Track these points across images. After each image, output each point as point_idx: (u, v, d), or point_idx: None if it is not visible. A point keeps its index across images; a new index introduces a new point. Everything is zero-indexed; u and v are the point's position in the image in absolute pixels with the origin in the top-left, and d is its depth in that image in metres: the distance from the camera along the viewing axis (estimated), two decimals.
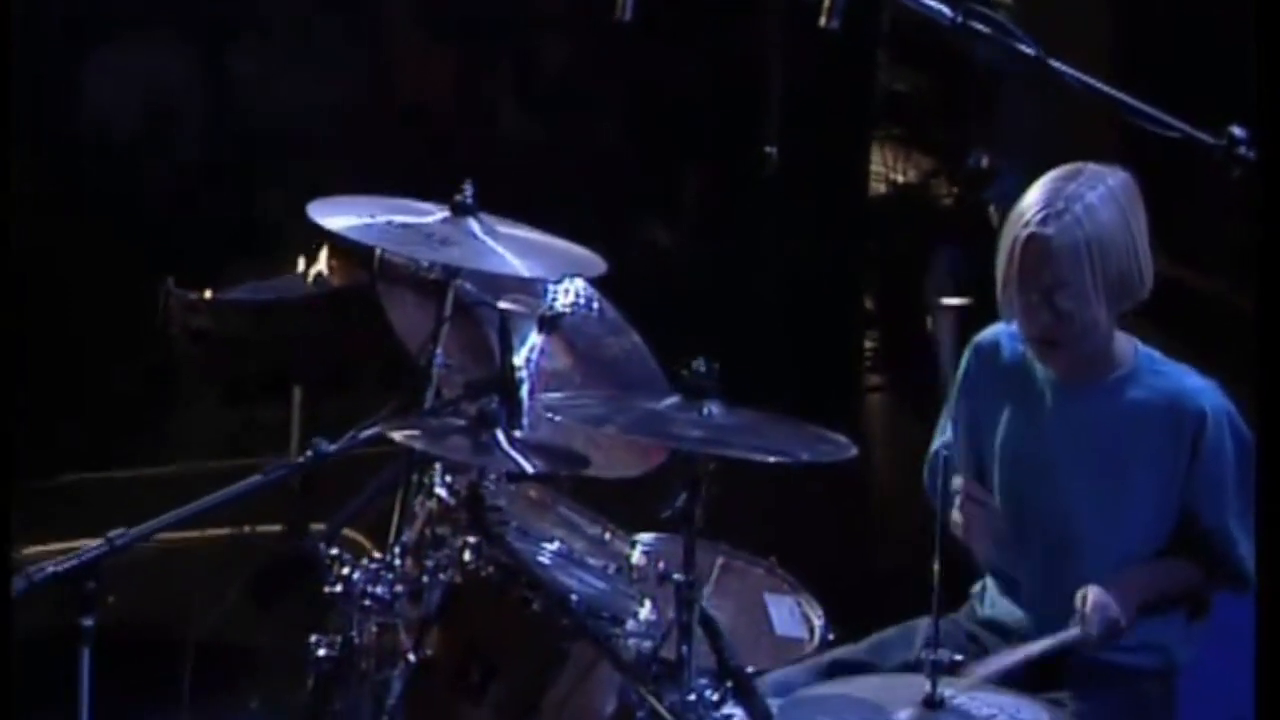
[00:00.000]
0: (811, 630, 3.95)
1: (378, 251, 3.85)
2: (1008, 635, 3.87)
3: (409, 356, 3.84)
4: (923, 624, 4.05)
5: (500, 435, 3.33)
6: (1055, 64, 3.22)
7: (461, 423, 3.41)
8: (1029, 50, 3.20)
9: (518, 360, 3.71)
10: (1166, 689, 3.83)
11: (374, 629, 3.52)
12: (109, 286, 6.72)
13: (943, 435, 4.20)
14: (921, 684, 3.21)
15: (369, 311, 5.30)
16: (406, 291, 3.89)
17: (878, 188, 8.07)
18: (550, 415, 3.39)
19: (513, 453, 3.34)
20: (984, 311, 7.81)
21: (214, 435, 6.92)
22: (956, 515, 3.83)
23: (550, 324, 3.83)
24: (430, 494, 3.68)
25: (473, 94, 7.79)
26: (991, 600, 4.01)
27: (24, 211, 6.32)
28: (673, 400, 3.24)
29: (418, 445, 3.51)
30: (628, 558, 3.77)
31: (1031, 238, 3.70)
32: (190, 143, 7.27)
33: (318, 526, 5.09)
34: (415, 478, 3.76)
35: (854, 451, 3.41)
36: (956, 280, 7.83)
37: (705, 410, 3.20)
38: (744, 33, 7.71)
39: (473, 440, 3.37)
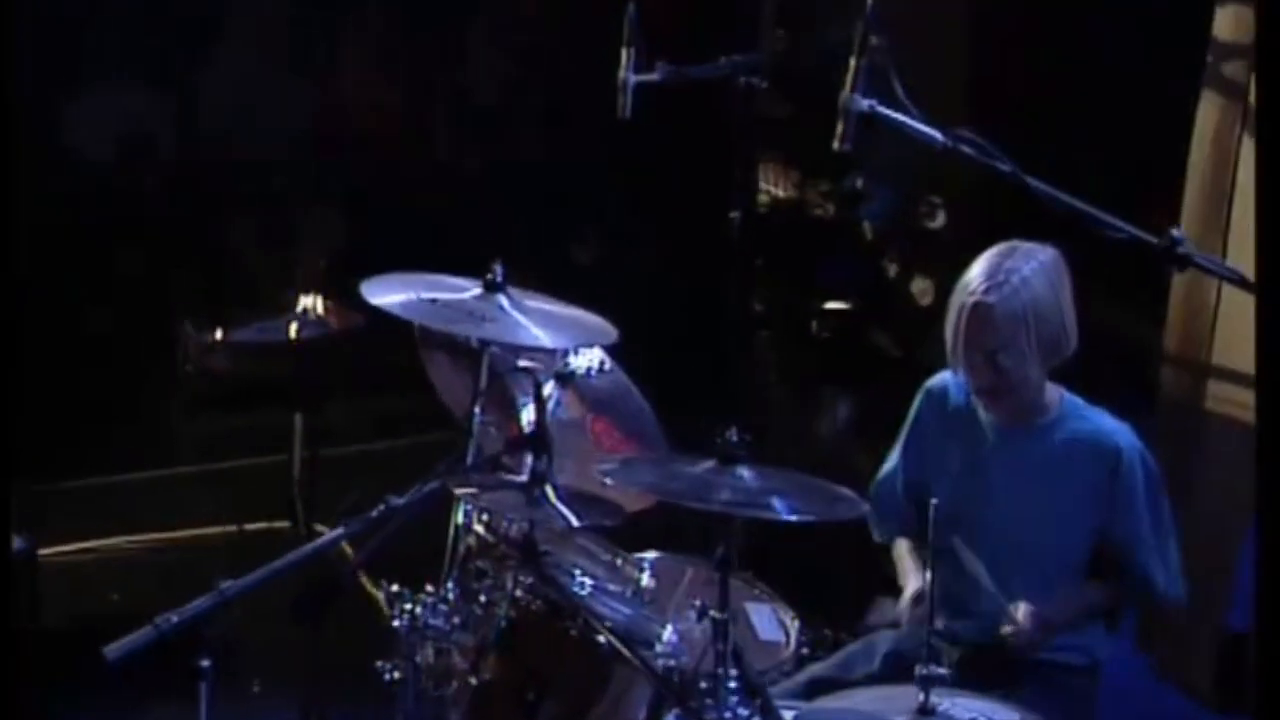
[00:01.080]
0: (788, 634, 3.98)
1: (416, 322, 3.83)
2: (957, 643, 3.97)
3: (450, 412, 3.89)
4: (879, 638, 4.20)
5: (550, 491, 3.40)
6: (1030, 180, 3.32)
7: (518, 480, 3.48)
8: (1005, 167, 3.32)
9: (527, 411, 3.76)
10: (1091, 681, 3.97)
11: (431, 654, 3.59)
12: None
13: (888, 465, 4.31)
14: (913, 694, 3.30)
15: (363, 352, 5.39)
16: (440, 354, 3.92)
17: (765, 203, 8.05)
18: (608, 481, 3.39)
19: (561, 508, 3.42)
20: (864, 314, 7.97)
21: (205, 440, 6.94)
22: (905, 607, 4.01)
23: (564, 379, 3.85)
24: (468, 531, 3.71)
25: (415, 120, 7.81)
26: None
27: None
28: (709, 465, 3.29)
29: (480, 503, 3.57)
30: (638, 581, 3.81)
31: (977, 305, 3.79)
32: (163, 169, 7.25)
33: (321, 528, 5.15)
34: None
35: (864, 508, 3.52)
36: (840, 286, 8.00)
37: (738, 474, 3.28)
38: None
39: (526, 495, 3.44)
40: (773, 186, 8.20)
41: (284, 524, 5.81)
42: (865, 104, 3.49)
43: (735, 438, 3.25)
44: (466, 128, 7.92)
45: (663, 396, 5.61)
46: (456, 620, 3.57)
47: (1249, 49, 5.24)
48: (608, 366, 3.92)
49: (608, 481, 3.37)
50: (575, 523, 3.42)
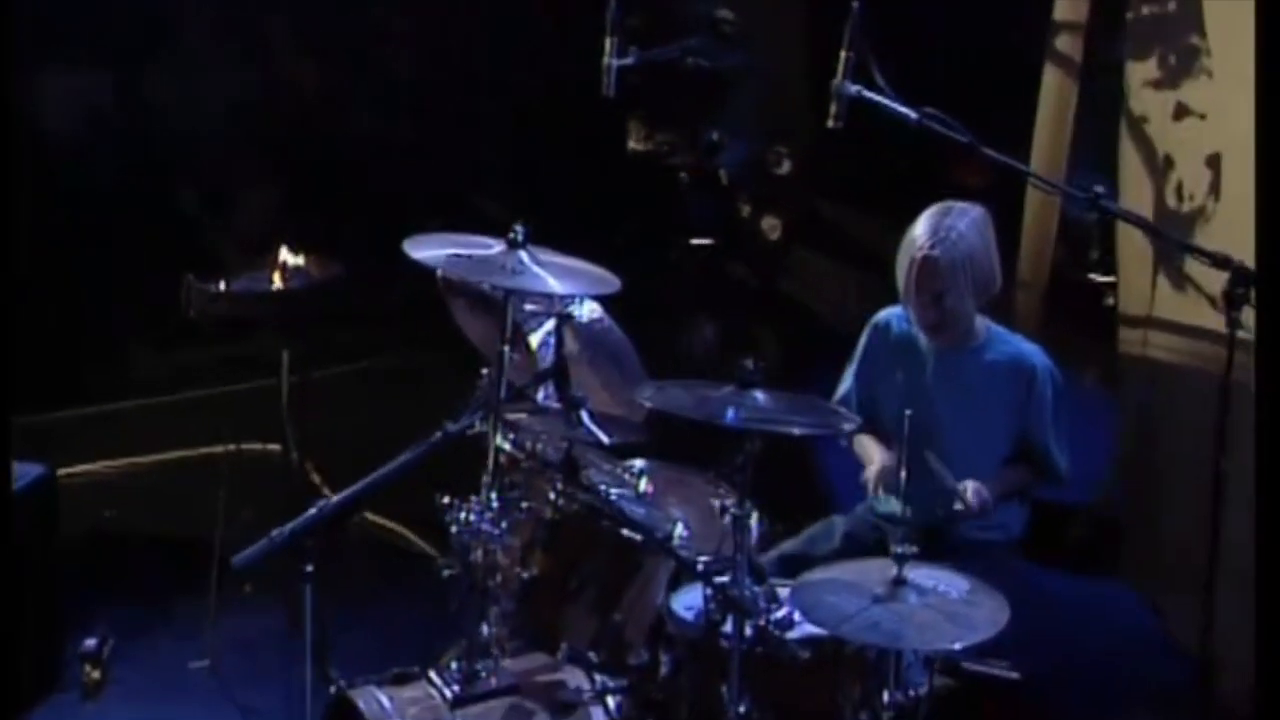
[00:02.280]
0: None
1: (439, 271, 3.90)
2: (899, 525, 3.96)
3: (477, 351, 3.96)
4: (837, 519, 4.39)
5: (585, 415, 3.53)
6: (985, 149, 3.51)
7: (556, 406, 3.59)
8: (963, 138, 3.52)
9: (535, 340, 3.89)
10: (1009, 552, 4.25)
11: (480, 554, 3.68)
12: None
13: (844, 387, 4.44)
14: (885, 566, 3.49)
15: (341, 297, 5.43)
16: (460, 300, 3.98)
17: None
18: (647, 403, 3.48)
19: (595, 429, 3.54)
20: (724, 249, 8.10)
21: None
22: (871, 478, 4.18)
23: (563, 318, 3.90)
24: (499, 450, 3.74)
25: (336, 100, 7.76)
26: (885, 501, 4.30)
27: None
28: (730, 389, 3.44)
29: (535, 426, 3.68)
30: (638, 486, 3.88)
31: (926, 258, 4.02)
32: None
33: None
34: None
35: (858, 422, 3.71)
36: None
37: (754, 396, 3.43)
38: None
39: (565, 419, 3.56)
40: (641, 141, 8.28)
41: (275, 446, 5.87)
42: (853, 89, 3.68)
43: (751, 367, 3.40)
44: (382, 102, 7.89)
45: None
46: (504, 525, 3.63)
47: (1081, 26, 5.47)
48: (599, 314, 3.97)
49: (644, 402, 3.46)
50: (606, 440, 3.53)
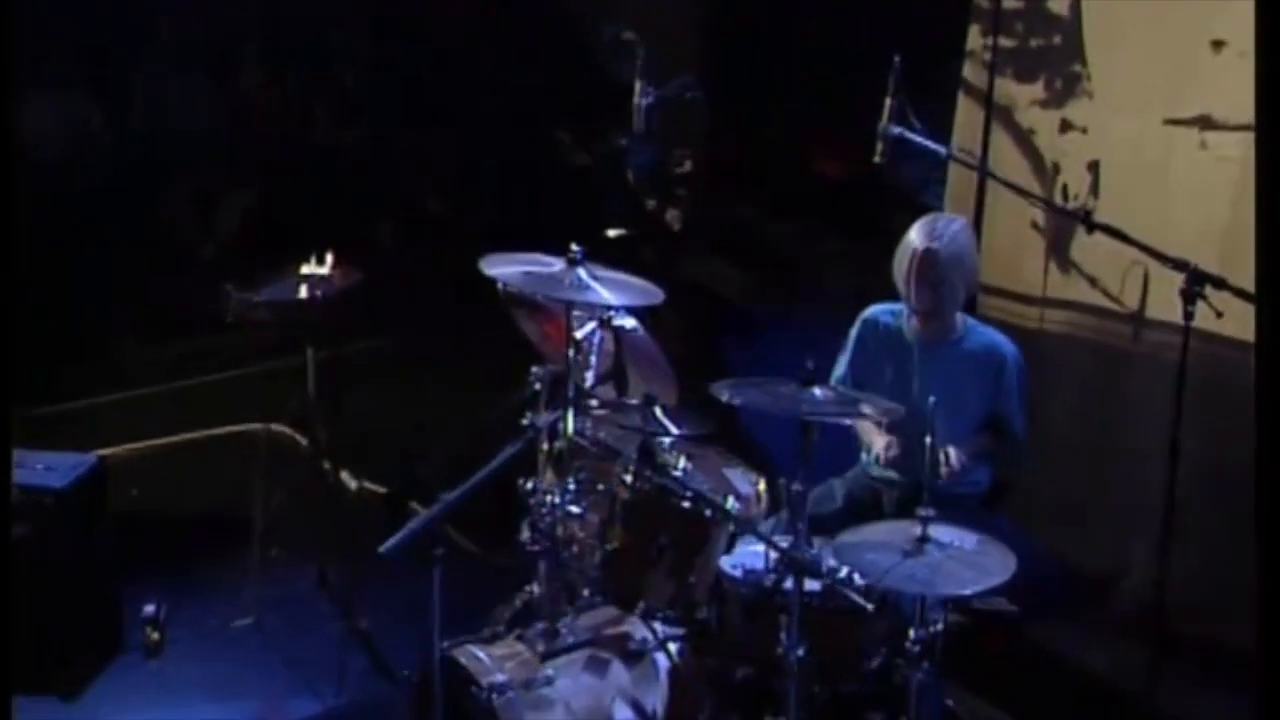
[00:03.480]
0: (756, 488, 4.13)
1: (499, 284, 3.89)
2: (891, 486, 4.24)
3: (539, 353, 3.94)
4: (835, 482, 4.44)
5: (658, 410, 3.54)
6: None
7: (635, 403, 3.60)
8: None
9: (579, 335, 3.86)
10: (979, 505, 4.31)
11: (560, 530, 3.71)
12: None
13: (837, 374, 4.43)
14: (908, 526, 3.55)
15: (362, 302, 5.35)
16: (520, 311, 3.99)
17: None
18: (728, 398, 3.45)
19: (666, 421, 3.56)
20: (635, 238, 8.13)
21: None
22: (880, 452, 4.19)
23: (604, 323, 3.92)
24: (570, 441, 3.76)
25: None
26: (874, 466, 4.37)
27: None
28: (792, 386, 3.48)
29: (618, 421, 3.68)
30: (678, 463, 3.85)
31: (928, 251, 4.05)
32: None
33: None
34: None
35: (901, 410, 3.70)
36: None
37: (813, 392, 3.48)
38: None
39: (641, 413, 3.58)
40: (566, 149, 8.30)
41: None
42: (896, 130, 3.74)
43: (811, 367, 3.44)
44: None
45: None
46: (584, 504, 3.66)
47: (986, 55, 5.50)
48: (635, 325, 3.96)
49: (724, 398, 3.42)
50: (675, 431, 3.56)
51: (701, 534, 3.60)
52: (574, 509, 3.64)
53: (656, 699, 3.56)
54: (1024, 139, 5.38)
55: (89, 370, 6.82)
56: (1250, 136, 4.64)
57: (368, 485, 5.68)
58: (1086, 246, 5.04)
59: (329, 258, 5.17)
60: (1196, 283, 3.81)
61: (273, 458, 5.78)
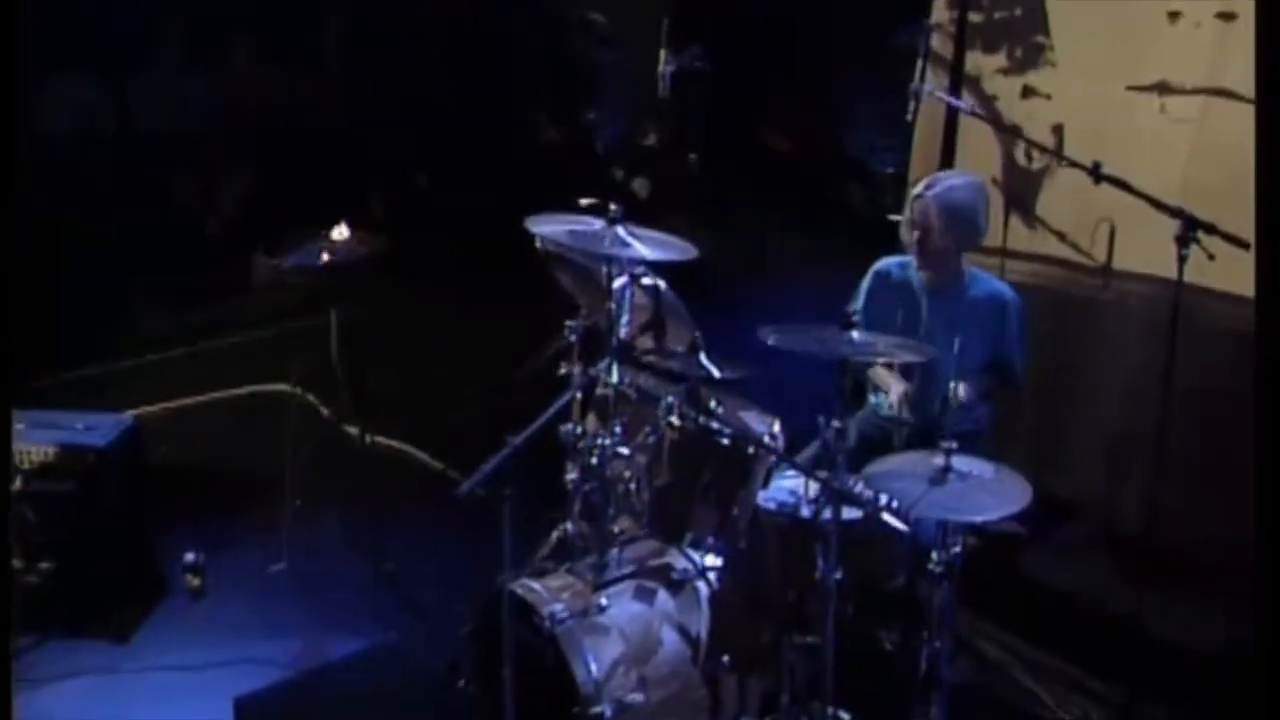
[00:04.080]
0: (771, 429, 4.04)
1: (538, 242, 3.86)
2: (900, 425, 4.16)
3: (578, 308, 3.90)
4: (849, 424, 4.42)
5: (703, 357, 3.52)
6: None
7: (680, 349, 3.57)
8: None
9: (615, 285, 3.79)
10: (982, 440, 4.25)
11: (613, 471, 3.67)
12: None
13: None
14: (929, 458, 3.53)
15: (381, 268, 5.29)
16: (561, 271, 3.96)
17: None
18: (771, 341, 3.41)
19: (711, 367, 3.54)
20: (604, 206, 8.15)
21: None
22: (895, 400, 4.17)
23: (635, 279, 3.87)
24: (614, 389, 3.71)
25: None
26: (882, 405, 4.36)
27: None
28: (832, 329, 3.47)
29: (668, 366, 3.65)
30: (711, 405, 3.79)
31: (919, 198, 4.08)
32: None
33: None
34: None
35: (934, 351, 3.68)
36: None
37: (851, 336, 3.47)
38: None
39: (686, 361, 3.55)
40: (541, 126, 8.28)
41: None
42: (927, 88, 3.72)
43: (852, 311, 3.44)
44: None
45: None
46: (630, 446, 3.65)
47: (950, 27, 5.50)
48: (662, 284, 3.90)
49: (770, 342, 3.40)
50: (717, 375, 3.53)
51: (743, 470, 3.57)
52: (623, 450, 3.58)
53: (700, 623, 3.54)
54: (988, 104, 5.38)
55: (115, 335, 6.72)
56: (1205, 99, 4.70)
57: (379, 439, 5.60)
58: (1053, 204, 5.08)
59: (344, 226, 5.08)
60: (1190, 228, 3.81)
61: (287, 416, 5.70)
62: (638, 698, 3.38)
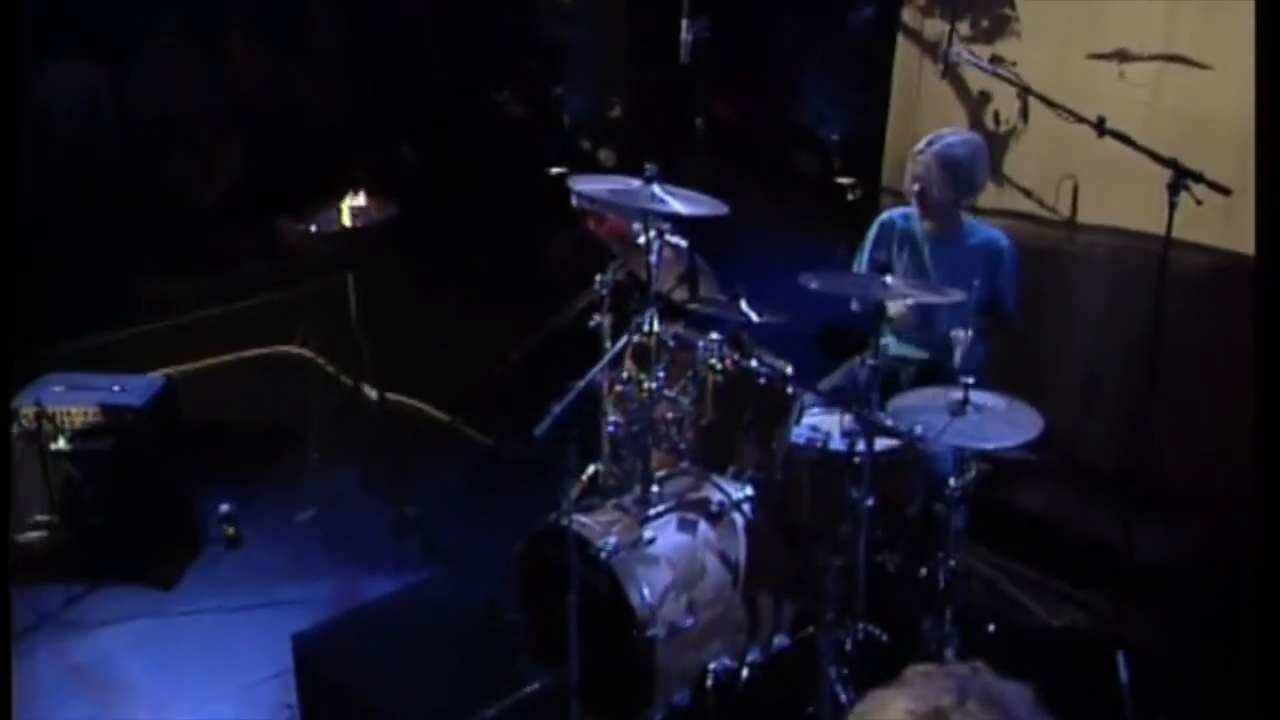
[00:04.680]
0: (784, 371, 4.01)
1: (574, 200, 3.83)
2: (907, 363, 4.20)
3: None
4: (855, 364, 4.39)
5: (743, 303, 3.51)
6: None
7: (722, 299, 3.55)
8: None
9: (640, 241, 3.73)
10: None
11: (654, 413, 3.65)
12: None
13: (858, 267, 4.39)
14: (947, 392, 3.57)
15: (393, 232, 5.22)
16: (593, 219, 3.92)
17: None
18: (814, 286, 3.41)
19: (750, 312, 3.53)
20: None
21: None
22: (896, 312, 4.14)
23: (660, 234, 3.80)
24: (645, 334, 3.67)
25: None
26: (895, 346, 4.35)
27: None
28: (874, 276, 3.48)
29: (711, 313, 3.62)
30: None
31: (920, 153, 4.09)
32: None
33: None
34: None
35: (960, 296, 3.67)
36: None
37: (885, 280, 3.48)
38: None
39: (728, 306, 3.54)
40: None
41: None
42: (955, 51, 3.70)
43: (884, 259, 3.45)
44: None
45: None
46: (676, 388, 3.62)
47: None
48: (683, 242, 3.82)
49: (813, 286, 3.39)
50: (756, 319, 3.53)
51: (781, 407, 3.54)
52: (667, 393, 3.55)
53: (739, 550, 3.53)
54: (954, 71, 5.39)
55: (133, 301, 6.60)
56: (1160, 65, 4.74)
57: (389, 396, 5.54)
58: (1019, 163, 5.09)
59: (363, 192, 5.00)
60: (1181, 175, 3.86)
61: (298, 376, 5.76)
62: (687, 621, 3.37)
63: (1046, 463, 3.86)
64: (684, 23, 4.41)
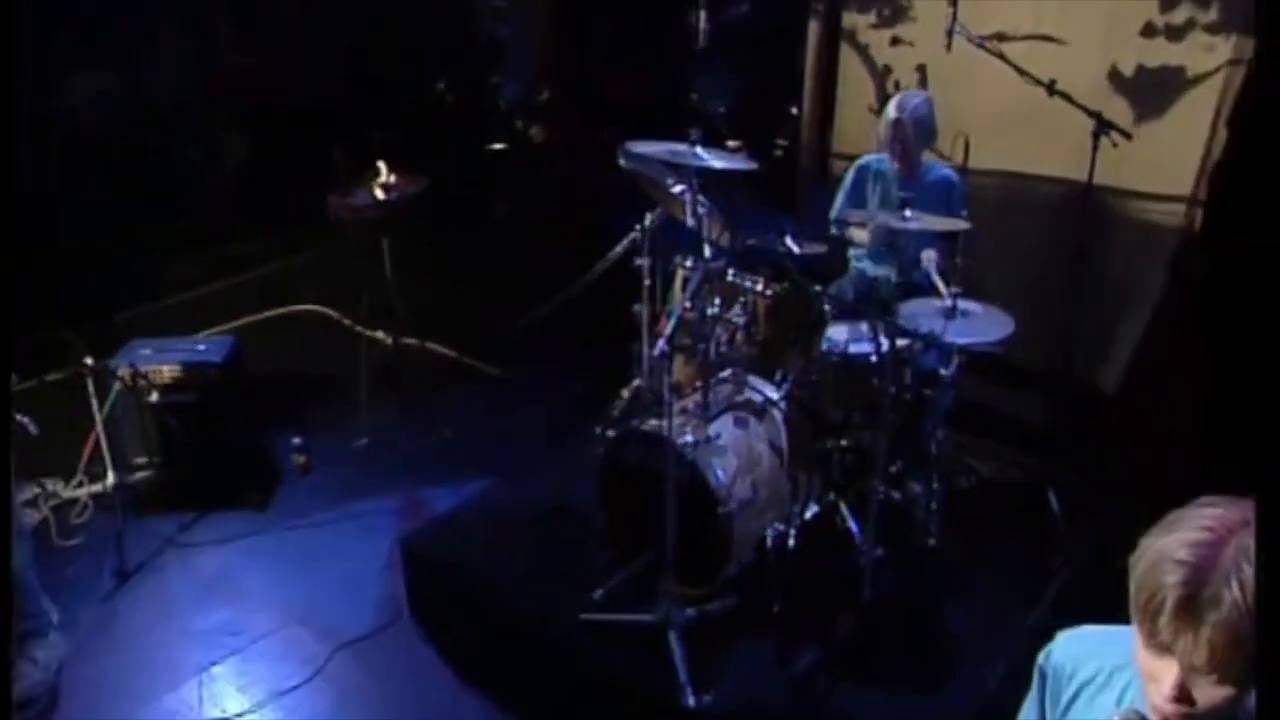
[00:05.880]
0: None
1: (622, 161, 3.72)
2: (878, 283, 4.26)
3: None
4: (844, 282, 4.53)
5: (788, 238, 3.56)
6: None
7: (771, 235, 3.58)
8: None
9: (676, 190, 3.71)
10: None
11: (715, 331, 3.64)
12: None
13: (838, 206, 4.45)
14: (937, 301, 3.71)
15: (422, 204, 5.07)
16: (643, 181, 3.87)
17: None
18: (852, 220, 3.49)
19: (793, 246, 3.59)
20: (511, 151, 8.03)
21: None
22: (863, 237, 4.23)
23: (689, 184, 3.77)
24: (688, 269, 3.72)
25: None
26: (867, 269, 4.43)
27: None
28: (889, 211, 3.56)
29: (761, 245, 3.64)
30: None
31: (899, 119, 4.12)
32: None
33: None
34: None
35: (959, 224, 3.71)
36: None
37: (909, 214, 3.56)
38: None
39: (776, 242, 3.58)
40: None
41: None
42: (957, 29, 3.78)
43: (906, 194, 3.52)
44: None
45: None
46: (729, 312, 3.65)
47: None
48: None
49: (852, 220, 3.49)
50: (797, 250, 3.59)
51: (820, 322, 3.66)
52: (727, 317, 3.60)
53: (782, 438, 3.60)
54: (862, 51, 5.53)
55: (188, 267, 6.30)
56: (1030, 44, 4.93)
57: (403, 340, 5.47)
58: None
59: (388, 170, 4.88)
60: (1101, 126, 4.07)
61: (321, 329, 5.71)
62: (751, 496, 3.45)
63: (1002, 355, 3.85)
64: (702, 14, 4.39)
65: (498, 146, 8.02)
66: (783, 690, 3.23)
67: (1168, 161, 4.60)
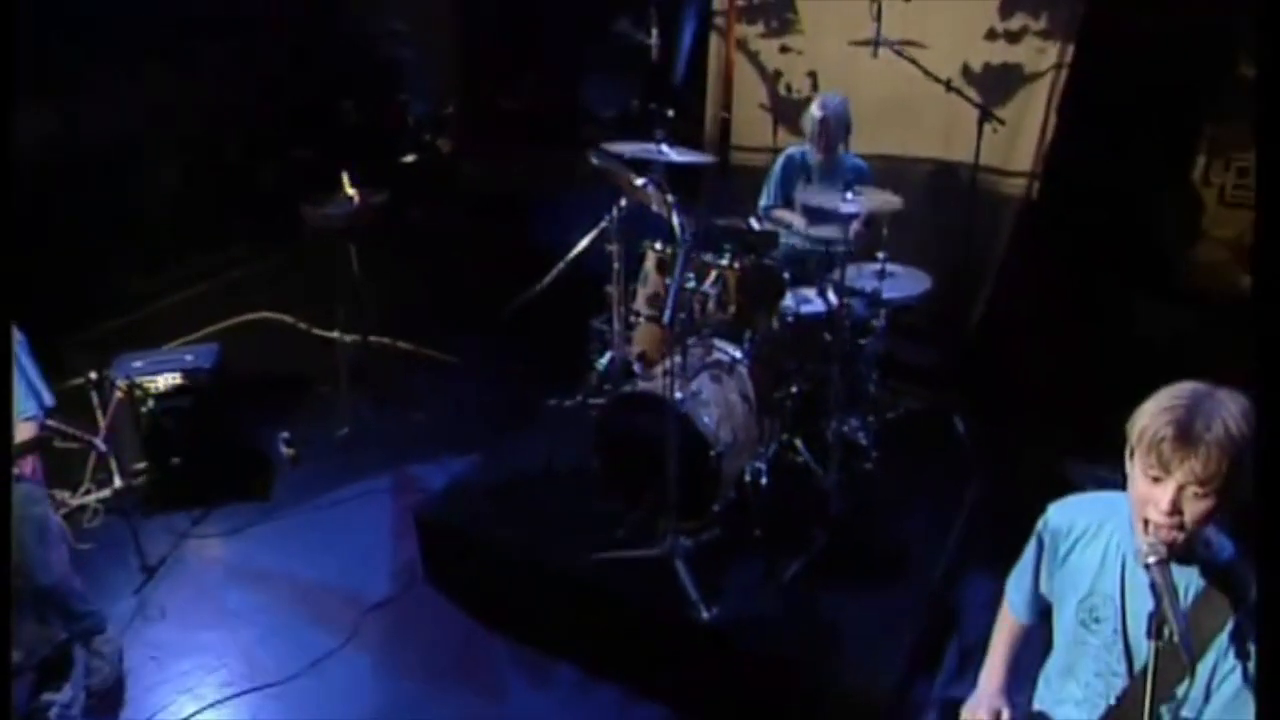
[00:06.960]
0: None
1: (593, 160, 3.75)
2: (809, 253, 4.28)
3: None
4: (777, 254, 4.69)
5: (753, 221, 3.76)
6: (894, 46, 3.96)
7: (751, 217, 3.77)
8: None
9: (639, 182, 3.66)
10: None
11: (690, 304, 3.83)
12: None
13: (768, 196, 4.55)
14: (868, 266, 3.99)
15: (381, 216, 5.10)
16: (610, 176, 3.93)
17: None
18: (814, 204, 3.66)
19: (793, 218, 3.77)
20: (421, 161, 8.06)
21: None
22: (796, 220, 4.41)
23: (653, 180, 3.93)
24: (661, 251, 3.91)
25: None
26: (796, 244, 4.49)
27: None
28: (836, 194, 3.82)
29: (732, 226, 3.82)
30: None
31: (824, 118, 4.30)
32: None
33: None
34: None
35: (897, 202, 3.90)
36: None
37: (848, 195, 3.80)
38: None
39: (750, 221, 3.78)
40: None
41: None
42: (882, 39, 4.03)
43: (827, 181, 3.77)
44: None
45: None
46: (705, 282, 3.83)
47: (726, 10, 5.73)
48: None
49: (813, 204, 3.67)
50: (807, 230, 3.80)
51: (781, 289, 3.87)
52: (704, 289, 3.77)
53: (749, 389, 3.78)
54: (754, 58, 5.83)
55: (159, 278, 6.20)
56: (901, 48, 5.34)
57: (354, 337, 5.53)
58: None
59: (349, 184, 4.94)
60: (985, 117, 4.44)
61: (277, 333, 5.71)
62: (732, 440, 3.66)
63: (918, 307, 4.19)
64: (654, 31, 4.55)
65: (408, 158, 8.03)
66: (775, 597, 3.49)
67: (1012, 142, 5.01)
